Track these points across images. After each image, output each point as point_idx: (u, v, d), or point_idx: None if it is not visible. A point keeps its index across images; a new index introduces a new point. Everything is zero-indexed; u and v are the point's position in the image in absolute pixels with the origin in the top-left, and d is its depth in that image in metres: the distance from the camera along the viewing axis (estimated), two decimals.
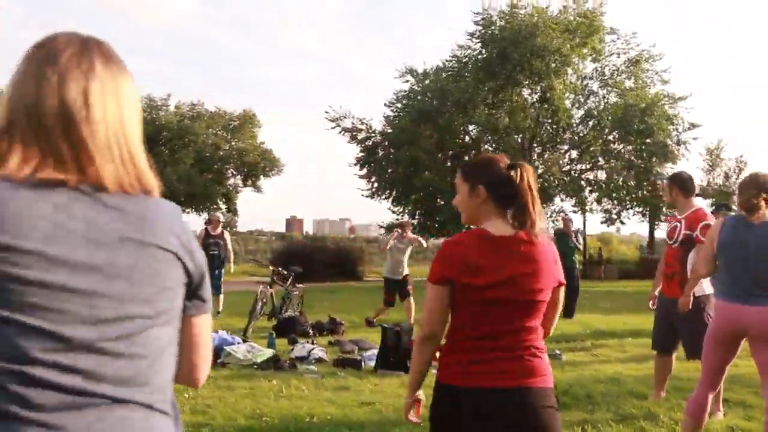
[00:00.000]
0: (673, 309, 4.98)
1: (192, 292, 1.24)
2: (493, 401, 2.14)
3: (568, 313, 10.84)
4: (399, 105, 27.78)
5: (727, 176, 32.44)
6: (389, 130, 27.22)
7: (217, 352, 6.95)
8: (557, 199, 28.34)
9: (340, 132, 27.44)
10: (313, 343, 8.05)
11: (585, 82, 28.39)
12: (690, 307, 4.83)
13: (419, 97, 27.02)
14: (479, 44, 27.16)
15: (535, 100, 27.67)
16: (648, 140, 25.97)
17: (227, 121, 31.56)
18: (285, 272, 10.82)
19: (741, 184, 3.88)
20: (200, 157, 29.85)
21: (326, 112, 27.33)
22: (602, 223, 28.66)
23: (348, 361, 7.11)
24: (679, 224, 5.04)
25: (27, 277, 1.02)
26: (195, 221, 29.88)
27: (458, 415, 2.19)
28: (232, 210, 33.07)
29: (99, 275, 1.08)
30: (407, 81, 28.43)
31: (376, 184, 27.44)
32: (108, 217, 1.11)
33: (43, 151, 1.11)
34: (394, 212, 28.40)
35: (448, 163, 28.00)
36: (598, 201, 28.34)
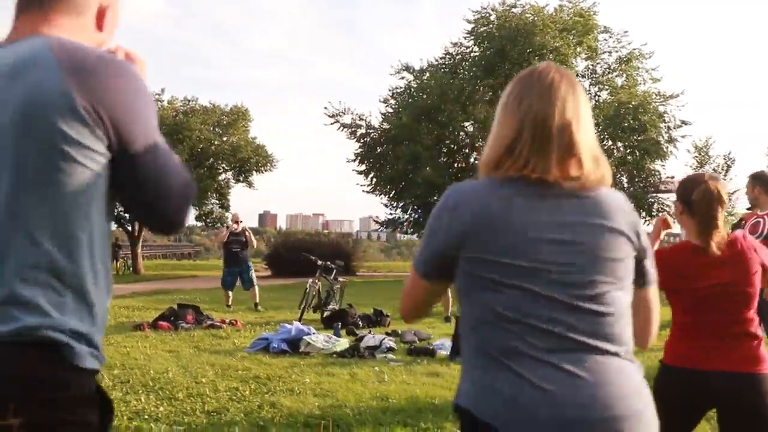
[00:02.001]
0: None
1: (639, 265, 1.56)
2: (711, 383, 2.48)
3: None
4: (395, 102, 28.02)
5: (715, 172, 33.37)
6: (386, 126, 27.45)
7: (296, 342, 7.24)
8: None
9: (339, 128, 27.65)
10: (370, 333, 8.35)
11: (577, 80, 28.95)
12: None
13: (416, 94, 27.28)
14: (472, 41, 27.55)
15: None
16: (640, 137, 26.57)
17: (219, 117, 31.61)
18: (333, 266, 11.10)
19: None
20: (193, 152, 29.87)
21: (325, 108, 27.48)
22: None
23: (421, 350, 7.41)
24: (762, 220, 5.45)
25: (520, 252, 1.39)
26: (189, 216, 29.92)
27: (679, 393, 2.55)
28: (224, 206, 33.11)
29: (566, 249, 1.42)
30: (403, 78, 28.74)
31: (374, 180, 27.68)
32: (570, 205, 1.45)
33: (534, 156, 1.46)
34: (386, 206, 28.67)
35: (444, 159, 28.36)
36: None
